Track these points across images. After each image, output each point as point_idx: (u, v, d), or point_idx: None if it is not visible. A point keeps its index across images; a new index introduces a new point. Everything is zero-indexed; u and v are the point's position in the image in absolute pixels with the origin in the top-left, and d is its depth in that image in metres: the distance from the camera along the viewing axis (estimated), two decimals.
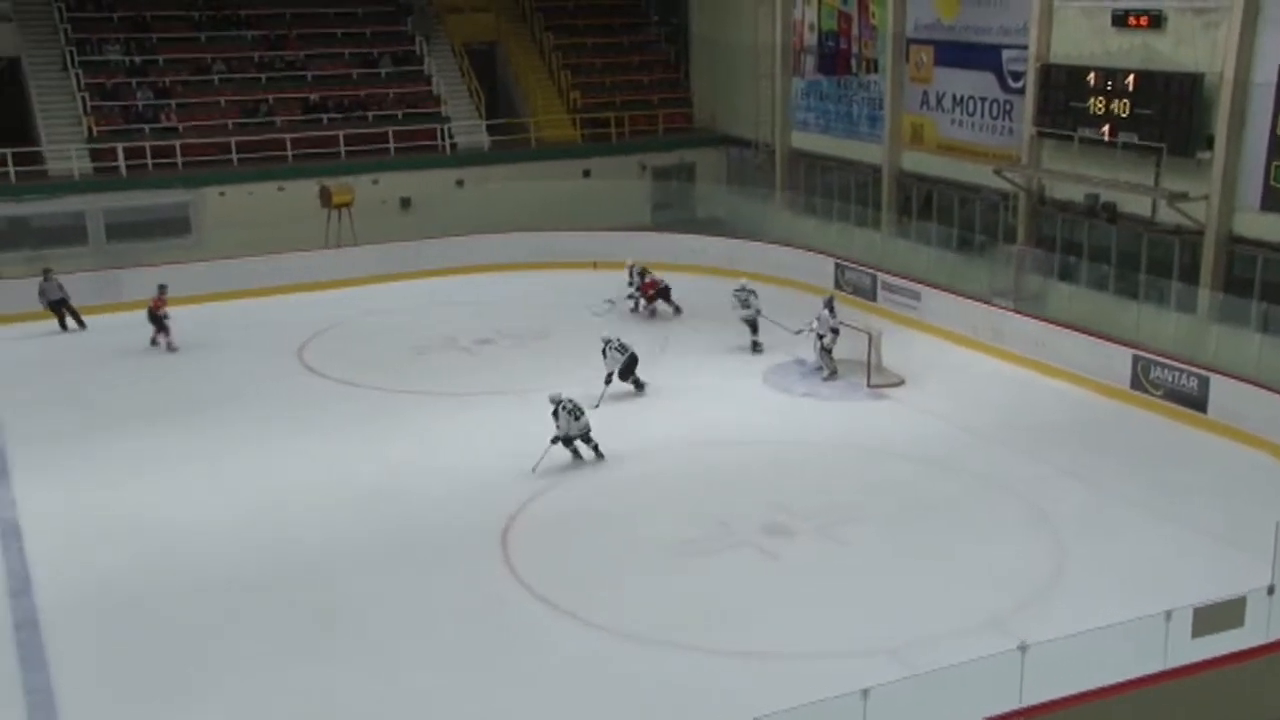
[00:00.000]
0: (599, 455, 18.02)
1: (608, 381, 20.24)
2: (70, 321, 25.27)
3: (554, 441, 17.66)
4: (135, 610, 13.98)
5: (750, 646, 13.02)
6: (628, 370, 20.57)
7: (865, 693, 9.97)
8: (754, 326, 23.33)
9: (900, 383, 21.46)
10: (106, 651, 13.15)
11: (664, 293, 25.95)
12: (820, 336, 21.72)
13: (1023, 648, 10.51)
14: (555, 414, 17.69)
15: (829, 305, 22.05)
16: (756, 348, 23.17)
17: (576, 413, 17.75)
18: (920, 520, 16.17)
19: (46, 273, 25.46)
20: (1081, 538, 15.50)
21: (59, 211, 29.64)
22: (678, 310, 25.89)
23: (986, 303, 24.13)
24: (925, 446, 18.68)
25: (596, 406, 19.33)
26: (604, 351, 20.35)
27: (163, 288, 24.07)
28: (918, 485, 17.39)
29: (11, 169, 29.97)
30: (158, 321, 23.90)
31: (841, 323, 21.82)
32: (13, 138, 31.49)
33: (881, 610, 13.82)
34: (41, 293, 25.15)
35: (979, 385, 21.65)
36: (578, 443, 17.90)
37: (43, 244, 29.06)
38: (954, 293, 24.71)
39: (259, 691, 12.35)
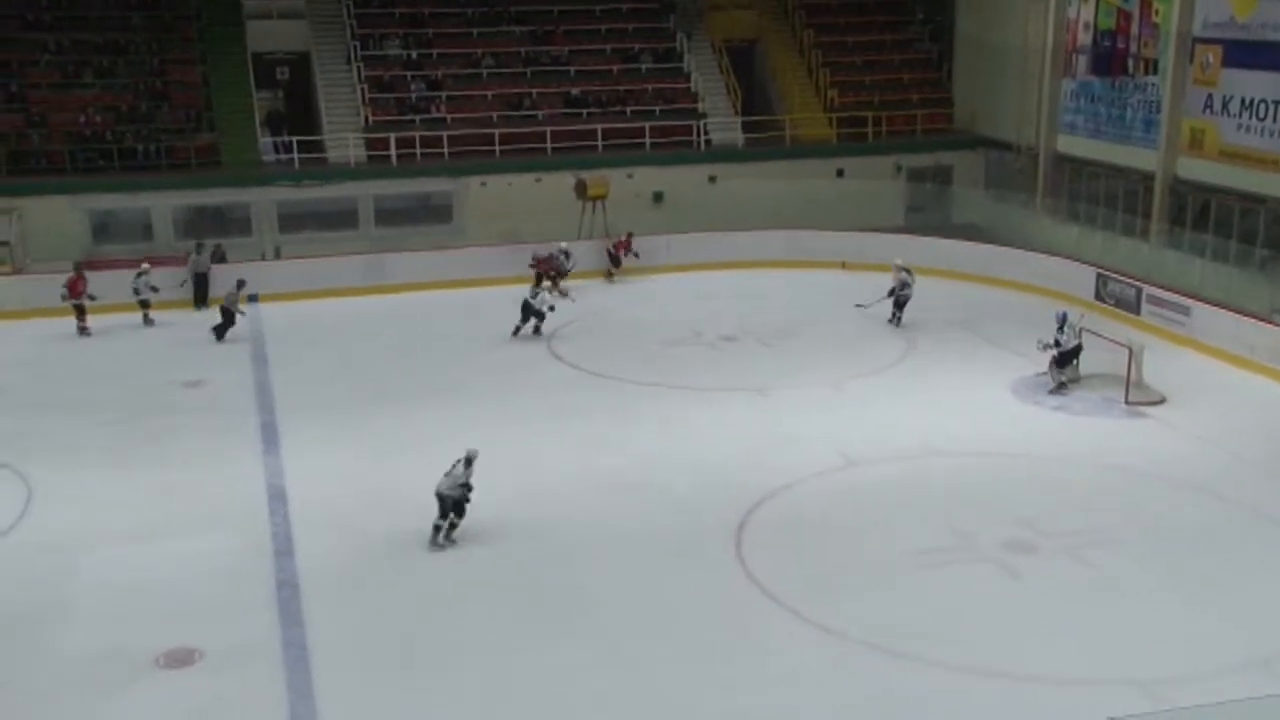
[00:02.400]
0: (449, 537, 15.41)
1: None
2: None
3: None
4: (388, 579, 14.65)
5: (984, 664, 12.55)
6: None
7: None
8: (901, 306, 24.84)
9: (1161, 401, 20.27)
10: (360, 615, 13.85)
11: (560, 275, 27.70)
12: (1045, 347, 20.84)
13: None
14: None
15: (1059, 319, 21.02)
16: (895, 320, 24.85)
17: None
18: (1178, 548, 15.22)
19: (199, 246, 27.52)
20: None
21: (334, 197, 31.49)
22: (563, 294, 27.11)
23: (1267, 321, 22.51)
24: (1188, 470, 17.57)
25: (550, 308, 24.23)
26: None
27: (568, 251, 28.04)
28: (1177, 511, 16.38)
29: (296, 155, 32.04)
30: (554, 277, 27.42)
31: (1083, 331, 20.75)
32: (299, 127, 33.69)
33: (1129, 639, 13.07)
34: (193, 265, 26.87)
35: (1254, 409, 20.20)
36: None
37: (320, 227, 30.99)
38: (1229, 309, 23.16)
39: (499, 666, 12.74)
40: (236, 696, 12.27)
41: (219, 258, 28.77)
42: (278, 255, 29.94)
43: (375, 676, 12.64)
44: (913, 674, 12.49)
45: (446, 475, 15.28)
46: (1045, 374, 21.17)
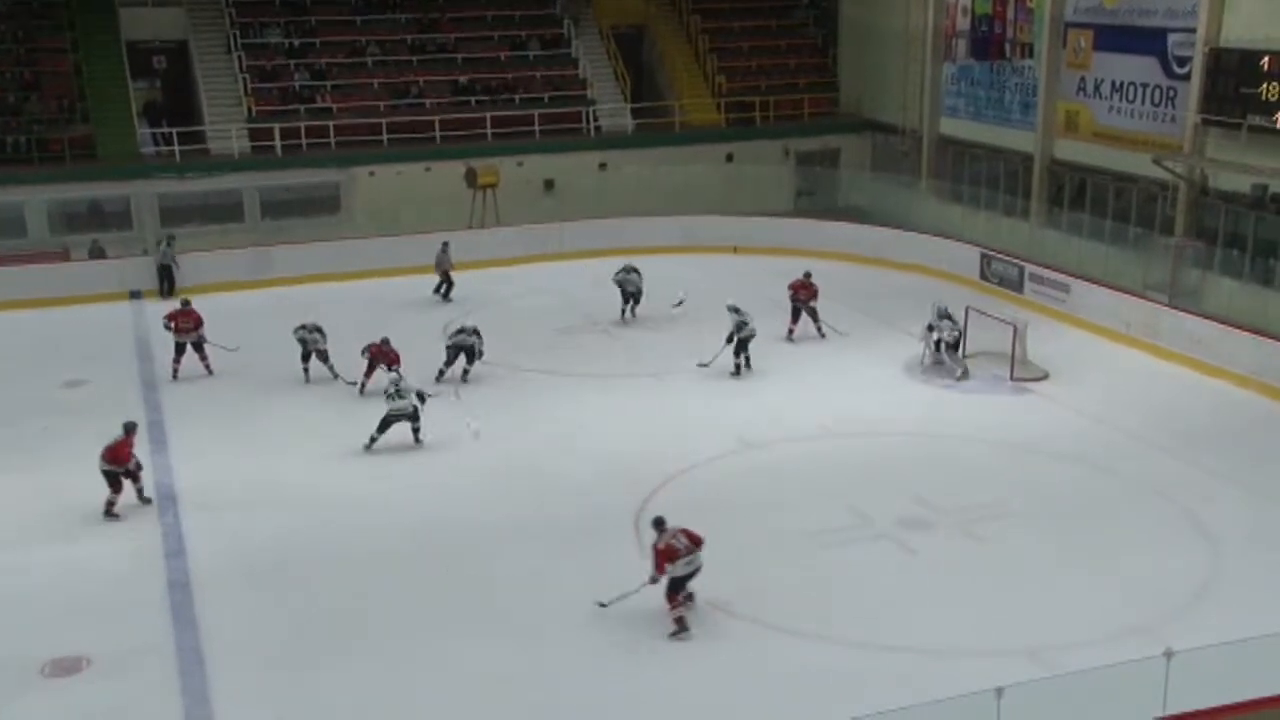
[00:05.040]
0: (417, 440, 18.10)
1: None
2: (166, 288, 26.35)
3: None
4: (282, 577, 14.42)
5: (883, 640, 12.83)
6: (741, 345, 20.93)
7: (999, 691, 9.74)
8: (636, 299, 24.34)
9: (1044, 377, 20.87)
10: (253, 615, 13.60)
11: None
12: (943, 342, 20.91)
13: (1168, 654, 10.11)
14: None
15: (943, 311, 21.05)
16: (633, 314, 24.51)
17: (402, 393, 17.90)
18: (1064, 520, 15.69)
19: (170, 239, 26.93)
20: (1238, 546, 14.84)
21: (218, 189, 30.75)
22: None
23: (1141, 297, 23.31)
24: (1071, 444, 18.12)
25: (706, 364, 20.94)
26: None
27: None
28: (1062, 484, 16.88)
29: (176, 148, 31.20)
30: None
31: (947, 328, 20.95)
32: (179, 118, 32.81)
33: (1020, 610, 13.45)
34: (159, 256, 26.48)
35: (1131, 383, 20.91)
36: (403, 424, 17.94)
37: (204, 220, 30.25)
38: (1106, 286, 23.94)
39: (401, 659, 12.64)
40: (129, 702, 11.98)
41: (99, 253, 27.99)
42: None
43: (272, 675, 12.44)
44: (813, 651, 12.68)
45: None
46: (928, 360, 21.29)
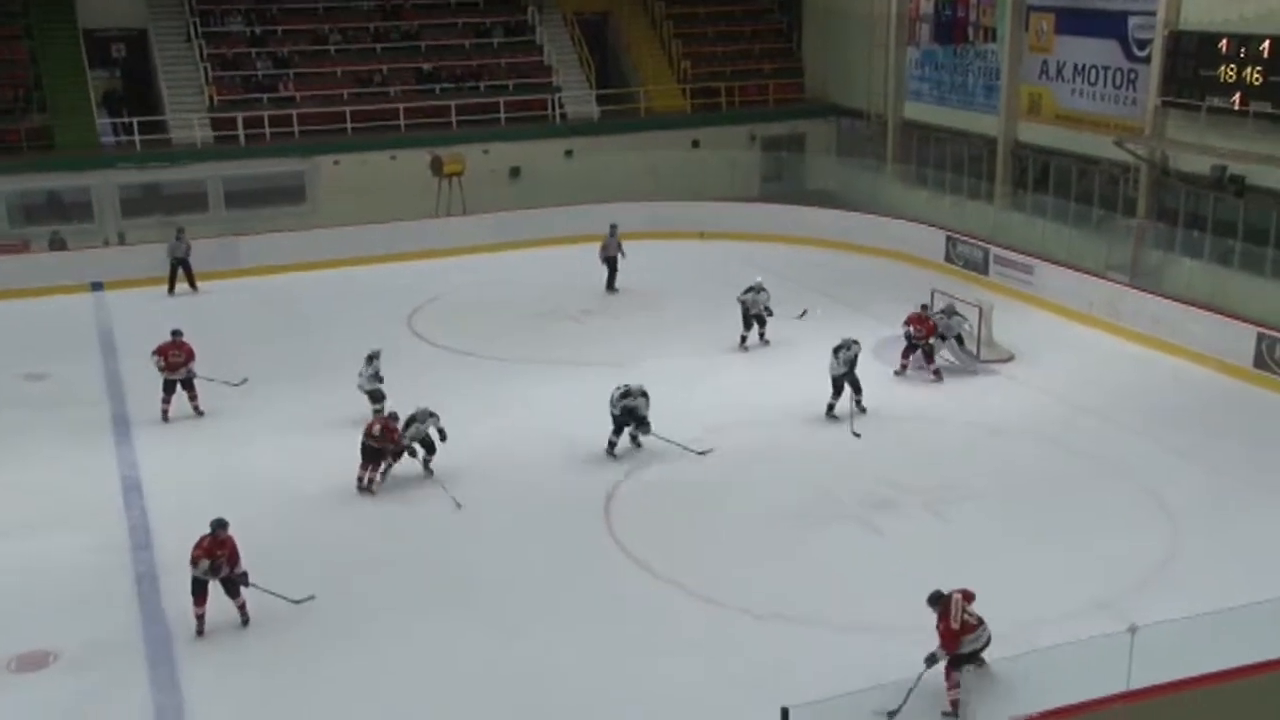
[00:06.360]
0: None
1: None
2: (182, 284, 26.04)
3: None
4: (251, 569, 14.28)
5: (851, 621, 12.92)
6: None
7: (966, 670, 9.83)
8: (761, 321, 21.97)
9: (1010, 358, 21.03)
10: (223, 607, 13.49)
11: None
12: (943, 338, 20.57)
13: (1132, 630, 10.25)
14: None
15: (948, 309, 20.73)
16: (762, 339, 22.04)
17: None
18: (1029, 499, 15.85)
19: (179, 232, 26.41)
20: (1198, 521, 15.04)
21: (181, 179, 30.46)
22: None
23: (1103, 278, 23.54)
24: (1036, 424, 18.29)
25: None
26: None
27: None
28: (1027, 464, 17.05)
29: (137, 137, 30.90)
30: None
31: (958, 323, 20.78)
32: (139, 107, 32.49)
33: (986, 589, 13.37)
34: (170, 250, 26.05)
35: (1094, 363, 21.12)
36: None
37: (166, 211, 30.00)
38: (1069, 267, 24.16)
39: (372, 651, 12.62)
40: (98, 695, 11.92)
41: (59, 245, 27.71)
42: (122, 241, 28.91)
43: (243, 665, 12.42)
44: (780, 633, 12.76)
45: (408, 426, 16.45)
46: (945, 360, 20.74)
